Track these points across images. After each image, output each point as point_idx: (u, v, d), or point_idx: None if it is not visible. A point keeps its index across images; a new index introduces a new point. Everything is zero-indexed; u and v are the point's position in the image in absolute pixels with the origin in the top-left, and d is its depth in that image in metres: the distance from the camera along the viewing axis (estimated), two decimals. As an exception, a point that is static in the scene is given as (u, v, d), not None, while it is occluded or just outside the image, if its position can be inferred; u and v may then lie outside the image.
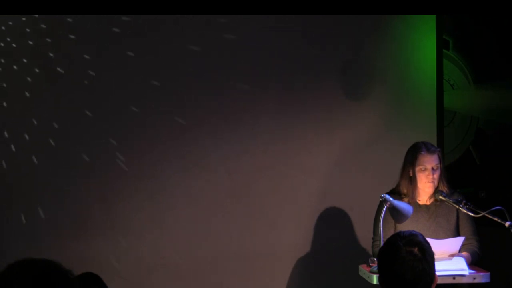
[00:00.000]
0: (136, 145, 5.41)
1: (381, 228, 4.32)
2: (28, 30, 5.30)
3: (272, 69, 5.50)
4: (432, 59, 5.63)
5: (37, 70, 5.33)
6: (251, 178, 5.50)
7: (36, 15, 5.24)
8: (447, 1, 5.40)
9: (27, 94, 5.33)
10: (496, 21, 6.38)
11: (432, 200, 4.62)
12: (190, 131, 5.45)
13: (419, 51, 5.64)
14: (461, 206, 4.46)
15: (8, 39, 5.28)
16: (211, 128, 5.46)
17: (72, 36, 5.33)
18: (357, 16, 5.46)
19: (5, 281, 2.14)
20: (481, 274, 4.31)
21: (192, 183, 5.44)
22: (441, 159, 4.60)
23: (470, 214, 4.45)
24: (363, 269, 4.53)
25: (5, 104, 5.31)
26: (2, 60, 5.29)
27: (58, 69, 5.34)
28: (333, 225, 5.57)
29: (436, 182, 4.55)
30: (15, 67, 5.31)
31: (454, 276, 4.25)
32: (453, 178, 4.83)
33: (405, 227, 4.39)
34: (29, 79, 5.32)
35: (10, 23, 5.27)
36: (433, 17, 5.60)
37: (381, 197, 4.42)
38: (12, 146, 5.31)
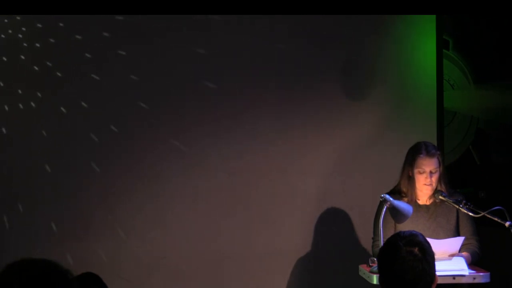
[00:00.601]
0: (136, 145, 5.41)
1: (381, 228, 4.32)
2: (24, 29, 5.30)
3: (272, 70, 5.50)
4: (432, 59, 5.63)
5: (37, 70, 5.32)
6: (251, 178, 5.50)
7: (35, 15, 5.24)
8: (447, 1, 5.39)
9: (24, 94, 5.32)
10: (496, 21, 6.38)
11: (432, 200, 4.62)
12: (191, 131, 5.45)
13: (419, 51, 5.63)
14: (461, 206, 4.46)
15: (3, 36, 5.29)
16: (211, 128, 5.46)
17: (78, 37, 5.33)
18: (357, 16, 5.46)
19: (4, 281, 2.14)
20: (481, 274, 4.30)
21: (192, 183, 5.44)
22: (441, 162, 4.59)
23: (470, 214, 4.45)
24: (363, 269, 4.52)
25: (6, 107, 5.31)
26: (4, 58, 5.29)
27: (59, 69, 5.34)
28: (333, 225, 5.57)
29: (434, 185, 4.55)
30: (16, 68, 5.31)
31: (454, 276, 4.24)
32: (453, 178, 4.83)
33: (405, 227, 4.39)
34: (29, 79, 5.32)
35: (6, 20, 5.26)
36: (433, 17, 5.60)
37: (381, 197, 4.42)
38: (13, 147, 5.31)
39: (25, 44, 5.30)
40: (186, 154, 5.44)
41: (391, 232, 4.22)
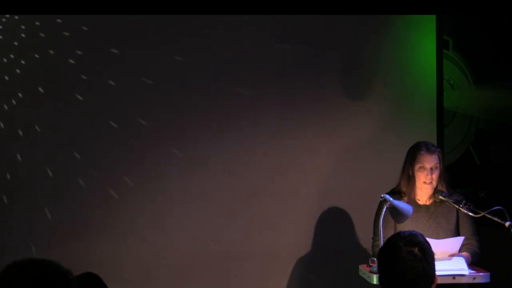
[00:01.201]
0: (136, 145, 5.41)
1: (381, 228, 4.32)
2: (23, 27, 5.30)
3: (272, 70, 5.50)
4: (432, 59, 5.63)
5: (37, 69, 5.33)
6: (251, 179, 5.50)
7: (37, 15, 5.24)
8: (447, 1, 5.40)
9: (24, 95, 5.33)
10: (496, 21, 6.38)
11: (432, 200, 4.62)
12: (191, 131, 5.45)
13: (419, 51, 5.64)
14: (461, 206, 4.46)
15: (1, 37, 5.29)
16: (211, 128, 5.46)
17: (80, 36, 5.34)
18: (357, 16, 5.46)
19: (4, 281, 2.14)
20: (481, 274, 4.31)
21: (192, 184, 5.44)
22: (441, 160, 4.60)
23: (470, 214, 4.45)
24: (363, 269, 4.53)
25: (5, 106, 5.31)
26: (4, 60, 5.29)
27: (60, 69, 5.34)
28: (333, 225, 5.57)
29: (434, 183, 4.55)
30: (17, 70, 5.31)
31: (454, 276, 4.25)
32: (453, 178, 4.83)
33: (405, 227, 4.39)
34: (30, 79, 5.32)
35: (4, 20, 5.27)
36: (433, 17, 5.60)
37: (381, 197, 4.42)
38: (13, 147, 5.31)
39: (25, 45, 5.31)
40: (186, 154, 5.44)
41: (391, 232, 4.22)
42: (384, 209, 4.36)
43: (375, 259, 4.32)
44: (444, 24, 5.85)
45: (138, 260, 5.39)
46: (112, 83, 5.38)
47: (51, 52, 5.33)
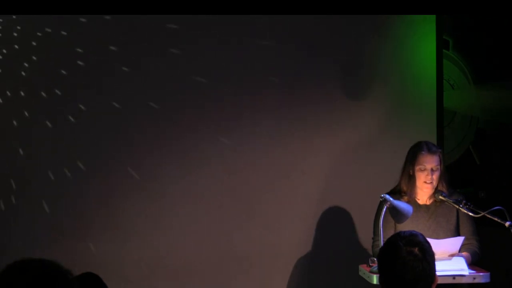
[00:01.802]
0: (136, 145, 5.41)
1: (381, 228, 4.32)
2: (19, 27, 5.30)
3: (273, 70, 5.50)
4: (432, 59, 5.63)
5: (39, 71, 5.33)
6: (251, 179, 5.50)
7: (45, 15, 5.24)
8: (447, 1, 5.40)
9: (23, 94, 5.33)
10: (496, 21, 6.38)
11: (432, 200, 4.62)
12: (191, 132, 5.45)
13: (419, 51, 5.63)
14: (461, 206, 4.46)
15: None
16: (211, 129, 5.46)
17: (79, 37, 5.34)
18: (357, 16, 5.46)
19: (4, 281, 2.14)
20: (481, 274, 4.31)
21: (192, 184, 5.44)
22: (442, 160, 4.60)
23: (470, 214, 4.45)
24: (363, 269, 4.53)
25: (5, 109, 5.32)
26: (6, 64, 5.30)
27: (60, 70, 5.34)
28: (333, 225, 5.57)
29: (434, 183, 4.55)
30: (20, 71, 5.31)
31: (454, 276, 4.25)
32: (453, 178, 4.83)
33: (405, 227, 4.39)
34: (30, 79, 5.32)
35: (0, 20, 5.27)
36: (433, 17, 5.60)
37: (381, 197, 4.42)
38: (13, 147, 5.31)
39: (26, 45, 5.31)
40: (186, 154, 5.44)
41: (391, 232, 4.22)
42: (384, 209, 4.36)
43: (375, 259, 4.32)
44: (444, 24, 5.85)
45: (138, 260, 5.39)
46: (112, 83, 5.38)
47: (52, 52, 5.33)
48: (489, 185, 6.36)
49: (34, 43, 5.30)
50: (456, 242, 4.43)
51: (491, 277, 4.33)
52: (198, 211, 5.45)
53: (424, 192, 4.60)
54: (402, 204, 4.41)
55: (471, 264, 4.43)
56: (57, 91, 5.34)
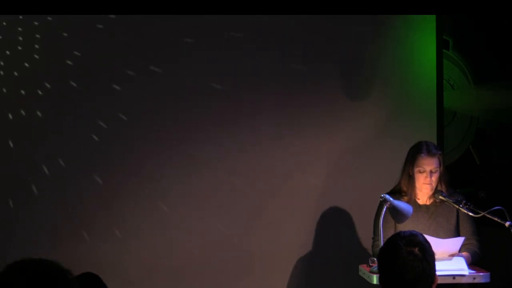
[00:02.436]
0: (136, 145, 5.41)
1: (381, 228, 4.32)
2: (20, 29, 5.30)
3: (273, 70, 5.50)
4: (432, 59, 5.63)
5: (40, 72, 5.33)
6: (251, 179, 5.50)
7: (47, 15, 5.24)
8: (447, 1, 5.40)
9: (23, 93, 5.33)
10: (496, 21, 6.38)
11: (432, 200, 4.62)
12: (190, 131, 5.45)
13: (419, 51, 5.63)
14: (461, 206, 4.46)
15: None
16: (211, 128, 5.46)
17: (80, 38, 5.34)
18: (357, 16, 5.46)
19: (4, 281, 2.14)
20: (481, 274, 4.31)
21: (192, 183, 5.44)
22: (442, 162, 4.59)
23: (470, 214, 4.45)
24: (363, 269, 4.52)
25: (5, 110, 5.32)
26: (2, 63, 5.30)
27: (61, 70, 5.34)
28: (333, 225, 5.57)
29: (433, 185, 4.55)
30: (16, 72, 5.32)
31: (454, 276, 4.24)
32: (453, 178, 4.83)
33: (405, 227, 4.39)
34: (30, 79, 5.32)
35: (4, 23, 5.27)
36: (433, 17, 5.60)
37: (381, 197, 4.42)
38: (13, 148, 5.31)
39: (27, 45, 5.31)
40: (186, 154, 5.44)
41: (391, 232, 4.22)
42: (384, 209, 4.36)
43: (375, 259, 4.32)
44: (444, 24, 5.85)
45: (138, 260, 5.39)
46: (111, 83, 5.38)
47: (54, 52, 5.33)
48: (489, 185, 6.35)
49: (36, 46, 5.31)
50: (456, 242, 4.43)
51: (491, 277, 4.33)
52: (198, 211, 5.45)
53: (423, 192, 4.60)
54: (402, 204, 4.41)
55: (471, 264, 4.43)
56: (56, 92, 5.34)
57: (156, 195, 5.42)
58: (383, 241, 4.24)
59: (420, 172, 4.55)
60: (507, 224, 4.23)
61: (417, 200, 4.63)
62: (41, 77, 5.33)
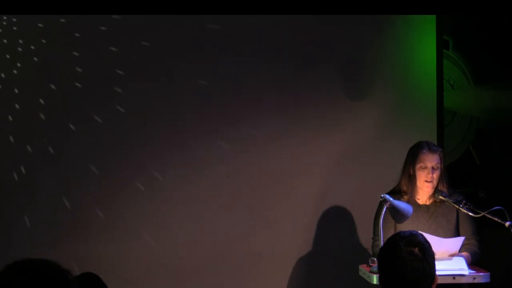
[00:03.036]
0: (136, 145, 5.41)
1: (381, 228, 4.32)
2: (18, 29, 5.30)
3: (272, 70, 5.50)
4: (432, 59, 5.63)
5: (40, 71, 5.33)
6: (251, 178, 5.50)
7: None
8: (447, 1, 5.40)
9: (26, 95, 5.33)
10: (496, 21, 6.37)
11: (432, 200, 4.62)
12: (190, 132, 5.45)
13: (419, 51, 5.63)
14: (461, 206, 4.46)
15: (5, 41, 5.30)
16: (211, 128, 5.46)
17: (77, 35, 5.34)
18: (357, 16, 5.46)
19: (4, 281, 2.14)
20: (481, 274, 4.31)
21: (192, 183, 5.44)
22: (442, 160, 4.60)
23: (470, 214, 4.45)
24: (363, 269, 4.53)
25: (5, 110, 5.32)
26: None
27: (61, 70, 5.34)
28: (333, 225, 5.57)
29: (435, 182, 4.55)
30: (15, 71, 5.31)
31: (454, 276, 4.25)
32: (453, 178, 4.83)
33: (405, 227, 4.39)
34: (30, 80, 5.32)
35: (5, 23, 5.27)
36: (433, 17, 5.60)
37: (381, 197, 4.42)
38: (13, 147, 5.31)
39: (28, 46, 5.31)
40: (186, 154, 5.44)
41: (391, 232, 4.22)
42: (384, 209, 4.36)
43: (375, 259, 4.32)
44: (444, 24, 5.85)
45: (138, 260, 5.39)
46: (113, 85, 5.38)
47: (52, 53, 5.33)
48: (489, 185, 6.35)
49: (32, 47, 5.31)
50: (456, 242, 4.43)
51: (491, 277, 4.33)
52: (198, 211, 5.45)
53: (424, 191, 4.60)
54: (402, 204, 4.41)
55: (471, 264, 4.43)
56: (56, 92, 5.34)
57: (156, 196, 5.42)
58: (383, 241, 4.24)
59: (421, 168, 4.55)
60: (507, 224, 4.24)
61: (417, 200, 4.63)
62: (42, 77, 5.33)
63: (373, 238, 4.67)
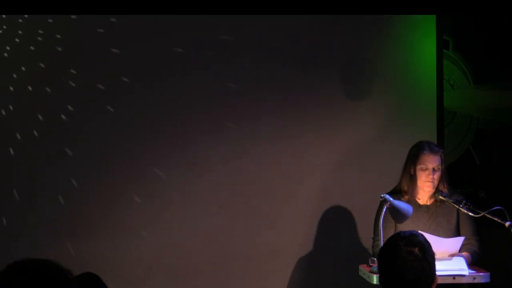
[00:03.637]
0: (136, 145, 5.41)
1: (381, 228, 4.32)
2: (18, 31, 5.30)
3: (272, 70, 5.50)
4: (432, 59, 5.63)
5: (39, 71, 5.33)
6: (251, 178, 5.50)
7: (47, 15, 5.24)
8: (447, 1, 5.40)
9: (26, 94, 5.33)
10: (496, 21, 6.37)
11: (432, 200, 4.62)
12: (190, 132, 5.45)
13: (419, 51, 5.64)
14: (461, 206, 4.46)
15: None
16: (211, 128, 5.46)
17: (78, 38, 5.34)
18: (357, 16, 5.46)
19: (4, 281, 2.14)
20: (481, 274, 4.31)
21: (192, 183, 5.44)
22: (443, 160, 4.60)
23: (470, 214, 4.45)
24: (363, 269, 4.53)
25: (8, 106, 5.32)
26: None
27: (61, 70, 5.34)
28: (333, 225, 5.57)
29: (435, 183, 4.56)
30: (20, 70, 5.32)
31: (454, 276, 4.25)
32: (453, 178, 4.83)
33: (405, 227, 4.39)
34: (30, 80, 5.32)
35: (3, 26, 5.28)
36: (433, 17, 5.60)
37: (381, 197, 4.42)
38: (13, 147, 5.31)
39: (29, 46, 5.31)
40: (186, 154, 5.44)
41: (391, 232, 4.23)
42: (384, 209, 4.37)
43: (375, 259, 4.32)
44: (444, 24, 5.85)
45: (138, 260, 5.39)
46: (110, 83, 5.38)
47: (56, 52, 5.34)
48: (489, 185, 6.35)
49: (32, 48, 5.31)
50: (456, 242, 4.43)
51: (491, 277, 4.33)
52: (198, 211, 5.45)
53: (424, 191, 4.60)
54: (402, 204, 4.41)
55: (471, 264, 4.43)
56: (56, 90, 5.34)
57: (157, 195, 5.42)
58: (383, 241, 4.24)
59: (422, 170, 4.55)
60: (507, 224, 4.24)
61: (417, 200, 4.63)
62: (43, 77, 5.33)
63: (373, 238, 4.67)
